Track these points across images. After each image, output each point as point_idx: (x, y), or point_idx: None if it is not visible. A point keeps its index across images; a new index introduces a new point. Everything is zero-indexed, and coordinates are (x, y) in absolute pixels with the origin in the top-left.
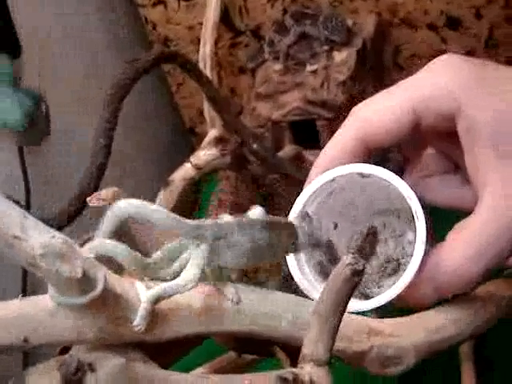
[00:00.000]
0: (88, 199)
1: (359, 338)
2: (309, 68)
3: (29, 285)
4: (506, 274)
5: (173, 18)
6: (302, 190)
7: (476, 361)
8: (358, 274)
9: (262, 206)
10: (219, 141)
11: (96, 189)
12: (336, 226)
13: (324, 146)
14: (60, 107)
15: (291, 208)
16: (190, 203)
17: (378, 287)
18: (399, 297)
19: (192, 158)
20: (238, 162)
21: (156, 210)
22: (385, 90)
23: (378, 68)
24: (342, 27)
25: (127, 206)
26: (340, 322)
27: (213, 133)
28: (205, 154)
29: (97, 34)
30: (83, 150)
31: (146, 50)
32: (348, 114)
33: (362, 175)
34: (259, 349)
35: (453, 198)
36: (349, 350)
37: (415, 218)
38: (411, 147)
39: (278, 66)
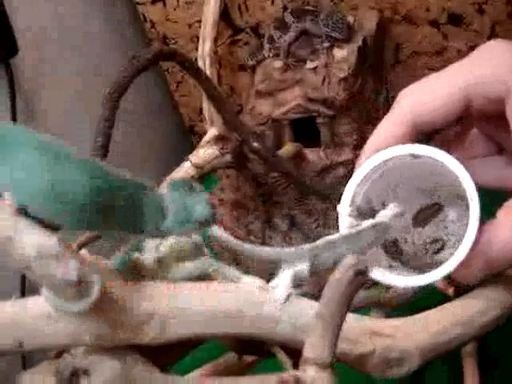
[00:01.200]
0: None
1: (362, 340)
2: (309, 65)
3: (28, 282)
4: None
5: (172, 16)
6: (302, 187)
7: (479, 359)
8: (361, 274)
9: (262, 203)
10: (219, 139)
11: None
12: (384, 205)
13: (325, 143)
14: (58, 106)
15: (295, 203)
16: None
17: (423, 266)
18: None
19: (191, 157)
20: (238, 161)
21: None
22: (433, 75)
23: (378, 65)
24: (343, 24)
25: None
26: (342, 323)
27: (212, 131)
28: (204, 153)
29: (95, 33)
30: (82, 149)
31: (145, 48)
32: (349, 111)
33: (414, 156)
34: (260, 349)
35: (498, 178)
36: (351, 352)
37: (469, 198)
38: (457, 128)
39: (278, 64)
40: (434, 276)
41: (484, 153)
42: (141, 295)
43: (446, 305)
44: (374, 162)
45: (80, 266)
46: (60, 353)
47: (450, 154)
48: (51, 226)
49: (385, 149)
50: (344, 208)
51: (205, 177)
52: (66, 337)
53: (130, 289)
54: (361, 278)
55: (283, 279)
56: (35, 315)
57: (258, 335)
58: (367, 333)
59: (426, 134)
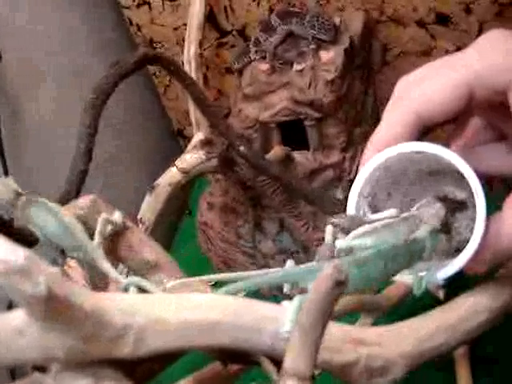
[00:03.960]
0: (63, 209)
1: (345, 349)
2: (296, 67)
3: None
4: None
5: (157, 19)
6: (290, 191)
7: (471, 358)
8: (341, 284)
9: (252, 207)
10: (205, 144)
11: (77, 197)
12: (389, 195)
13: (313, 146)
14: (43, 111)
15: (284, 207)
16: (179, 207)
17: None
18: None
19: (178, 162)
20: (225, 165)
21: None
22: (432, 65)
23: (366, 66)
24: (329, 25)
25: None
26: (323, 334)
27: (199, 135)
28: (191, 158)
29: (80, 37)
30: (68, 154)
31: (131, 52)
32: (336, 113)
33: (418, 152)
34: (245, 358)
35: (499, 165)
36: (334, 361)
37: (475, 195)
38: (458, 117)
39: (264, 66)
40: (449, 270)
41: (485, 140)
42: (115, 307)
43: (432, 311)
44: (377, 160)
45: (50, 280)
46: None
47: (451, 142)
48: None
49: (391, 145)
50: (351, 208)
51: (196, 180)
52: (38, 352)
53: (104, 301)
54: (341, 288)
55: (291, 308)
56: (7, 329)
57: (239, 346)
58: (351, 341)
59: (427, 127)
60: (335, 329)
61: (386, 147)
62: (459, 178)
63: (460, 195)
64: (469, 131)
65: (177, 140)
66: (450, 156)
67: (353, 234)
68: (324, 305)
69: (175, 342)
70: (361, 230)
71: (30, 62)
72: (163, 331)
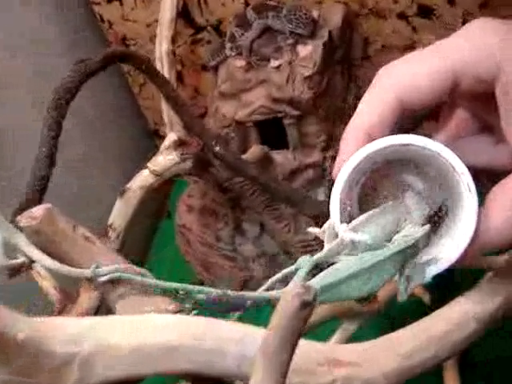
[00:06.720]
0: (18, 218)
1: (319, 371)
2: (273, 64)
3: None
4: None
5: (130, 15)
6: (270, 193)
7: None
8: (308, 305)
9: (231, 209)
10: (179, 144)
11: (40, 203)
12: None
13: (292, 145)
14: (12, 111)
15: (264, 209)
16: (157, 209)
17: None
18: None
19: (150, 164)
20: (200, 167)
21: None
22: (416, 52)
23: (346, 61)
24: (307, 19)
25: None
26: (290, 359)
27: (172, 136)
28: (164, 159)
29: (47, 36)
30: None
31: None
32: (316, 111)
33: (404, 145)
34: (214, 378)
35: (486, 157)
36: None
37: (468, 189)
38: (441, 108)
39: (240, 63)
40: (440, 266)
41: (471, 132)
42: (61, 334)
43: (417, 322)
44: (361, 154)
45: None
46: None
47: (438, 134)
48: None
49: (372, 132)
50: (335, 207)
51: (175, 182)
52: None
53: (47, 328)
54: (309, 309)
55: None
56: None
57: (202, 371)
58: (325, 362)
59: (410, 118)
60: (308, 348)
61: (366, 134)
62: (419, 168)
63: (418, 186)
64: (452, 123)
65: (153, 140)
66: (440, 149)
67: (352, 224)
68: (289, 328)
69: (129, 369)
70: (361, 218)
71: None
72: (115, 358)
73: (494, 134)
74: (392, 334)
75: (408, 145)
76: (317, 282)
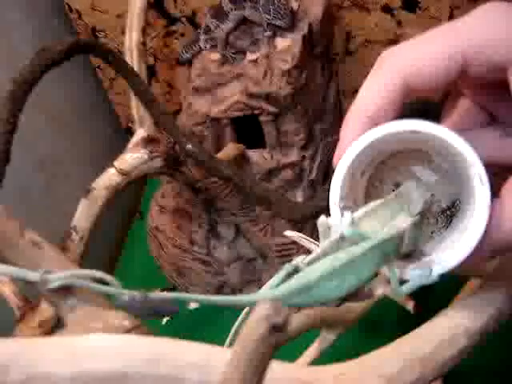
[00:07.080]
0: None
1: None
2: (249, 57)
3: None
4: None
5: (99, 5)
6: (246, 194)
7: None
8: (278, 328)
9: (205, 211)
10: (149, 142)
11: None
12: (362, 174)
13: (270, 143)
14: None
15: (240, 210)
16: (129, 209)
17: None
18: None
19: (116, 163)
20: (171, 166)
21: None
22: (423, 35)
23: (327, 55)
24: (286, 10)
25: None
26: None
27: (140, 132)
28: (131, 157)
29: (13, 27)
30: None
31: None
32: (295, 107)
33: (412, 131)
34: None
35: (493, 150)
36: None
37: (480, 181)
38: (447, 97)
39: (215, 56)
40: (449, 264)
41: (475, 124)
42: None
43: (401, 338)
44: (365, 140)
45: None
46: None
47: (442, 125)
48: None
49: (377, 116)
50: (335, 197)
51: (147, 181)
52: None
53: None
54: (279, 334)
55: None
56: None
57: None
58: None
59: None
60: (279, 372)
61: (369, 119)
62: (429, 158)
63: (429, 178)
64: (455, 114)
65: (126, 137)
66: (452, 137)
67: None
68: (256, 355)
69: None
70: (363, 209)
71: None
72: None
73: (501, 127)
74: (374, 352)
75: (416, 132)
76: (285, 287)
